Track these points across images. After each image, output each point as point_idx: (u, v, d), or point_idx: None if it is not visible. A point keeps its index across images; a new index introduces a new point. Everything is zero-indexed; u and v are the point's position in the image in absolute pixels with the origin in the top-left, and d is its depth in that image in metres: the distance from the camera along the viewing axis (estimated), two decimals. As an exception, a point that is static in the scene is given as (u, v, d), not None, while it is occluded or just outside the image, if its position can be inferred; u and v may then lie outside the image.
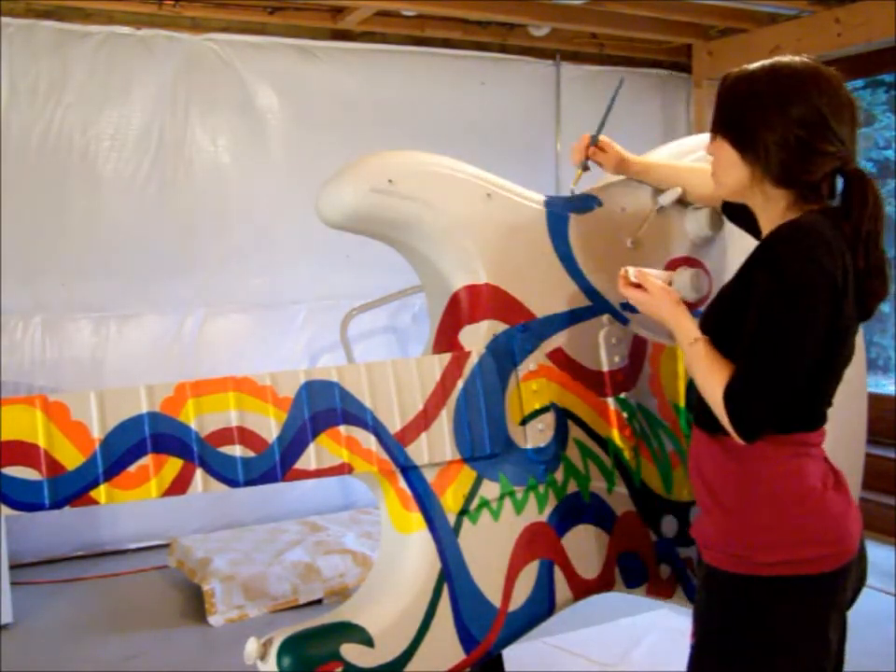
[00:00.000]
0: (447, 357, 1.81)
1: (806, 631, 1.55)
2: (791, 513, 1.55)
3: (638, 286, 1.73)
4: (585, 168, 2.08)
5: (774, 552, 1.54)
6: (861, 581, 1.67)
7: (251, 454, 1.63)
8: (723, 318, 1.60)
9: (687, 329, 1.62)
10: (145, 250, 4.20)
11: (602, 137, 2.06)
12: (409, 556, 1.77)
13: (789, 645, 1.55)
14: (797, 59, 1.58)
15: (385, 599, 1.75)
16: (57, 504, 1.50)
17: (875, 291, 1.55)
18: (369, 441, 1.71)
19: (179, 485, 1.58)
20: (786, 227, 1.53)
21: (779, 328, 1.47)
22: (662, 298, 1.69)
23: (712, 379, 1.53)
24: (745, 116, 1.58)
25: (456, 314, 1.86)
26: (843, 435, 2.22)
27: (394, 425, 1.74)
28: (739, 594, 1.56)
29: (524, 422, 1.87)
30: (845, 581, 1.58)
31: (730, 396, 1.50)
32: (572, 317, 1.96)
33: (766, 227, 1.61)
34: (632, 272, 1.73)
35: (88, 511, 3.67)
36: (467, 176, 1.86)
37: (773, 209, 1.59)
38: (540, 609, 1.89)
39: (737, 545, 1.56)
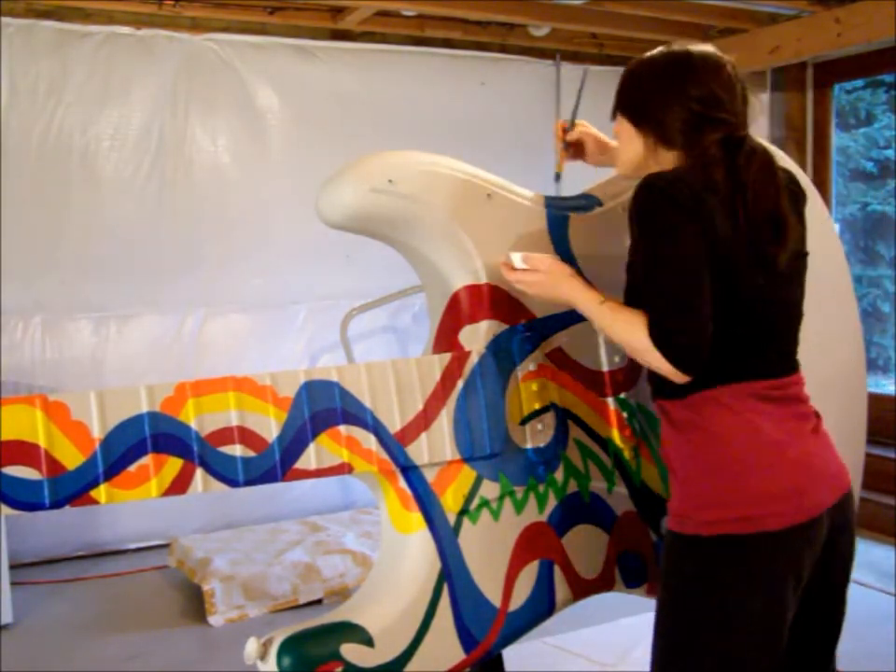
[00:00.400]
0: (447, 356, 1.81)
1: (754, 591, 1.53)
2: (730, 472, 1.55)
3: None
4: (566, 148, 2.10)
5: (714, 510, 1.54)
6: (845, 557, 1.65)
7: (251, 453, 1.63)
8: (629, 273, 1.66)
9: (589, 295, 1.67)
10: (144, 250, 4.20)
11: (578, 122, 2.10)
12: (409, 556, 1.77)
13: (737, 604, 1.53)
14: (693, 46, 1.69)
15: (385, 599, 1.75)
16: (57, 504, 1.50)
17: (771, 240, 1.58)
18: (369, 440, 1.72)
19: (179, 485, 1.58)
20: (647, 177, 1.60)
21: (649, 255, 1.55)
22: (555, 273, 1.72)
23: (633, 328, 1.55)
24: (642, 94, 1.70)
25: (456, 314, 1.86)
26: (843, 435, 2.22)
27: (394, 425, 1.74)
28: (687, 553, 1.58)
29: (524, 422, 1.87)
30: (798, 542, 1.55)
31: (654, 334, 1.51)
32: (572, 317, 1.95)
33: None
34: (516, 258, 1.73)
35: (88, 510, 3.67)
36: (467, 176, 1.87)
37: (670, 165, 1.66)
38: (540, 609, 1.89)
39: (684, 506, 1.59)
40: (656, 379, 1.61)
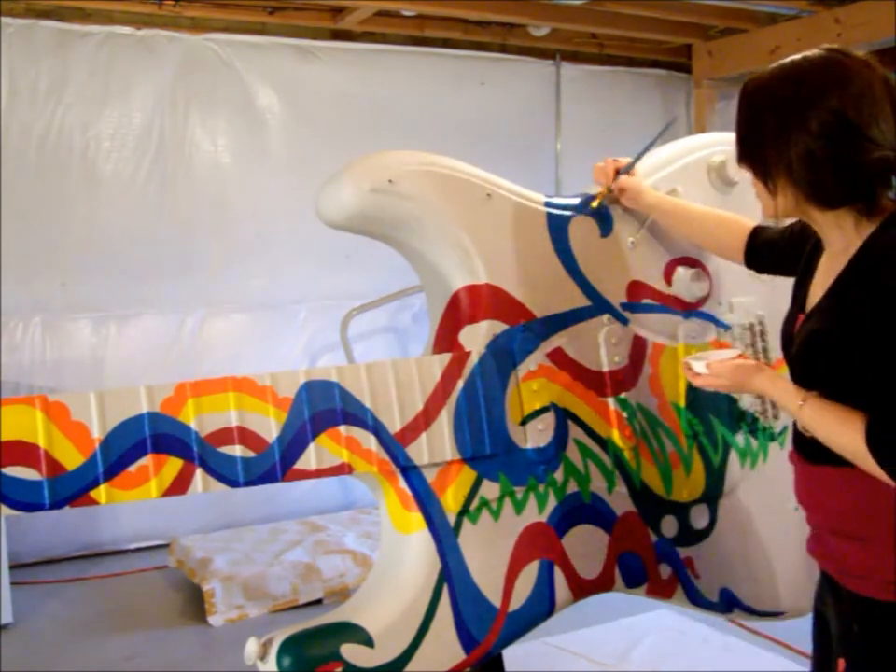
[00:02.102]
0: (447, 357, 1.81)
1: None
2: None
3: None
4: (610, 191, 2.00)
5: None
6: None
7: (251, 454, 1.63)
8: (825, 356, 1.44)
9: (789, 391, 1.48)
10: (145, 250, 4.20)
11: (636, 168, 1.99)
12: (409, 556, 1.77)
13: None
14: (808, 55, 1.42)
15: (386, 599, 1.75)
16: (57, 504, 1.50)
17: None
18: (369, 440, 1.71)
19: (179, 485, 1.58)
20: (887, 248, 1.38)
21: None
22: (739, 373, 1.56)
23: (846, 432, 1.38)
24: (756, 143, 1.45)
25: (456, 314, 1.86)
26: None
27: (394, 425, 1.74)
28: None
29: (524, 422, 1.87)
30: None
31: (876, 439, 1.35)
32: (572, 317, 1.96)
33: (840, 244, 1.46)
34: (698, 365, 1.61)
35: (88, 510, 3.67)
36: (467, 176, 1.86)
37: (836, 227, 1.45)
38: (540, 609, 1.88)
39: (893, 572, 1.44)
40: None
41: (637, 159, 2.00)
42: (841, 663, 1.52)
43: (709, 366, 1.59)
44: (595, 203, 2.00)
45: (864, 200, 1.40)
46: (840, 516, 1.51)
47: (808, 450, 1.51)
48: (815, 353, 1.46)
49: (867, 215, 1.41)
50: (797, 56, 1.43)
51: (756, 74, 1.47)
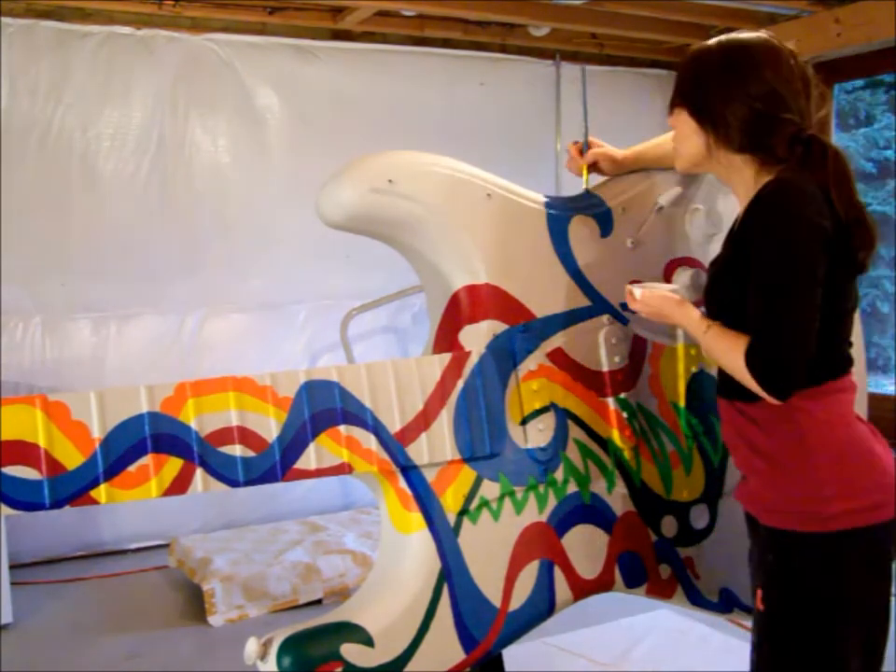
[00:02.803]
0: (447, 356, 1.81)
1: (876, 580, 1.59)
2: (847, 463, 1.58)
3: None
4: (590, 170, 2.08)
5: (839, 502, 1.56)
6: None
7: (251, 453, 1.63)
8: (725, 288, 1.65)
9: (697, 321, 1.68)
10: (145, 250, 4.20)
11: (590, 139, 2.08)
12: (409, 556, 1.77)
13: (862, 595, 1.58)
14: (752, 35, 1.66)
15: (385, 599, 1.75)
16: (57, 504, 1.50)
17: (860, 242, 1.58)
18: (369, 441, 1.72)
19: (179, 485, 1.58)
20: (770, 186, 1.58)
21: (781, 282, 1.52)
22: (663, 304, 1.74)
23: (733, 353, 1.56)
24: (702, 88, 1.66)
25: (456, 314, 1.86)
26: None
27: (394, 425, 1.74)
28: (814, 551, 1.58)
29: (524, 422, 1.87)
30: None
31: (751, 360, 1.52)
32: (572, 317, 1.96)
33: (742, 192, 1.68)
34: (637, 291, 1.76)
35: (88, 510, 3.67)
36: (467, 176, 1.86)
37: (740, 175, 1.67)
38: (540, 609, 1.89)
39: (803, 503, 1.59)
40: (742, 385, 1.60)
41: (587, 134, 2.09)
42: (759, 592, 1.65)
43: (642, 294, 1.77)
44: (586, 184, 2.08)
45: (763, 151, 1.62)
46: (759, 451, 1.65)
47: (728, 389, 1.67)
48: (715, 286, 1.70)
49: (764, 167, 1.63)
50: (741, 33, 1.69)
51: (703, 44, 1.70)
